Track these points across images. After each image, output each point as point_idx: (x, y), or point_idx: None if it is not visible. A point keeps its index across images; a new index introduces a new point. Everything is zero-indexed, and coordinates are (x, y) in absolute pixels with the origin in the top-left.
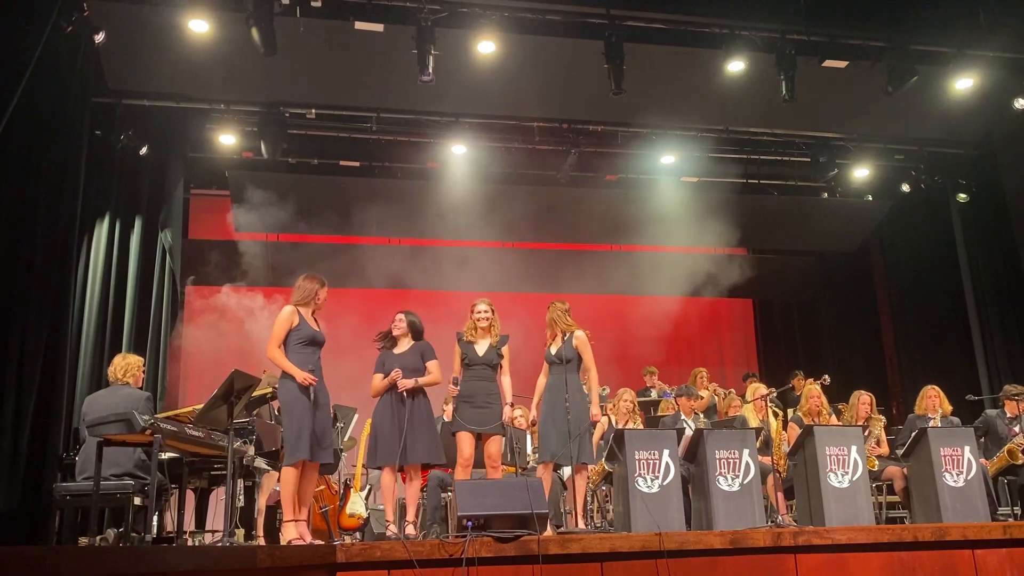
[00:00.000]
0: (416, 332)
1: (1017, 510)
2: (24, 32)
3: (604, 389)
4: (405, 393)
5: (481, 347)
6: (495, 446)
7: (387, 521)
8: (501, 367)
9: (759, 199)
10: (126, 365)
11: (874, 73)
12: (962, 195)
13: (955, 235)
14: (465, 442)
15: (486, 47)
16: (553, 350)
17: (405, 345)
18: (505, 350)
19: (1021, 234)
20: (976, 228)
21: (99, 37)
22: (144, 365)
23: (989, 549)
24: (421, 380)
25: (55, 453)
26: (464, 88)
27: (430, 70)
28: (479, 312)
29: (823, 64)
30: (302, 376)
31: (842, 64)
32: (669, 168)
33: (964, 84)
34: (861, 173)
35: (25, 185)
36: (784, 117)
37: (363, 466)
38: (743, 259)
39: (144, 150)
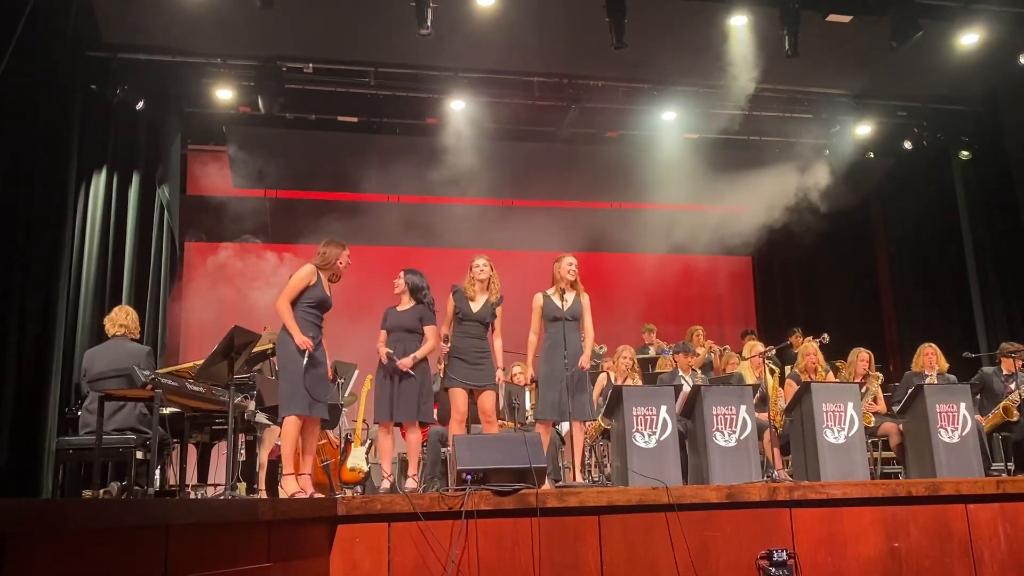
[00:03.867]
0: (414, 291)
1: (1011, 466)
2: None
3: (602, 348)
4: (401, 351)
5: (477, 303)
6: (489, 401)
7: (383, 476)
8: (494, 327)
9: (760, 156)
10: (126, 317)
11: (879, 28)
12: (964, 152)
13: (956, 192)
14: (459, 397)
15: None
16: (564, 307)
17: (406, 303)
18: (499, 311)
19: (1021, 191)
20: (977, 186)
21: None
22: (143, 320)
23: (982, 504)
24: (419, 353)
25: (50, 408)
26: (463, 42)
27: (429, 23)
28: (478, 266)
29: (827, 19)
30: (300, 340)
31: (846, 19)
32: (670, 124)
33: (969, 39)
34: (863, 130)
35: (20, 140)
36: (787, 73)
37: (363, 421)
38: (742, 216)
39: (140, 104)
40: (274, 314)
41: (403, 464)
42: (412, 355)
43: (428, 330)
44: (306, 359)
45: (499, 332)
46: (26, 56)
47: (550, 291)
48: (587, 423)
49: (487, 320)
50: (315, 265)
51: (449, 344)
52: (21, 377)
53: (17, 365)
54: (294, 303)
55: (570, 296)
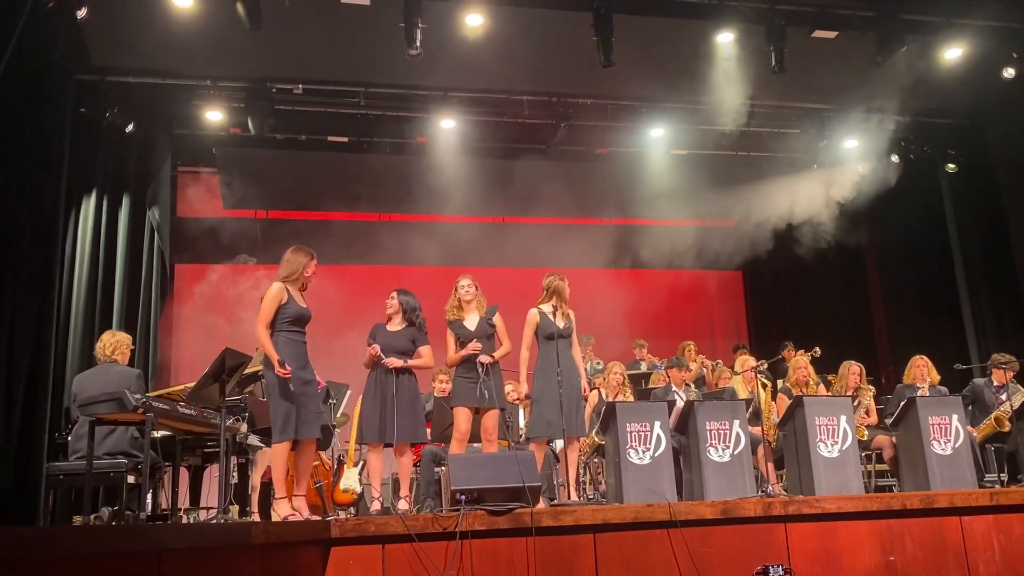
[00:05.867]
0: (409, 311)
1: (1004, 477)
2: (4, 8)
3: (599, 363)
4: (392, 371)
5: (471, 322)
6: (492, 420)
7: (373, 497)
8: (497, 338)
9: (748, 171)
10: (115, 342)
11: (863, 43)
12: (951, 165)
13: (944, 205)
14: (462, 417)
15: (474, 20)
16: (558, 323)
17: (398, 324)
18: (497, 319)
19: (1009, 203)
20: (965, 198)
21: (81, 13)
22: (133, 343)
23: (976, 516)
24: (412, 362)
25: (45, 433)
26: (452, 62)
27: (418, 44)
28: (463, 287)
29: (812, 35)
30: (277, 368)
31: (831, 34)
32: (659, 141)
33: (953, 54)
34: (850, 144)
35: (10, 163)
36: (774, 88)
37: (356, 442)
38: (732, 231)
39: (130, 127)
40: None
41: (395, 485)
42: (404, 359)
43: (424, 350)
44: (293, 382)
45: (505, 340)
46: (15, 79)
47: (545, 308)
48: (581, 439)
49: (488, 333)
50: (282, 280)
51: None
52: (12, 402)
53: (8, 390)
54: (273, 325)
55: (562, 314)
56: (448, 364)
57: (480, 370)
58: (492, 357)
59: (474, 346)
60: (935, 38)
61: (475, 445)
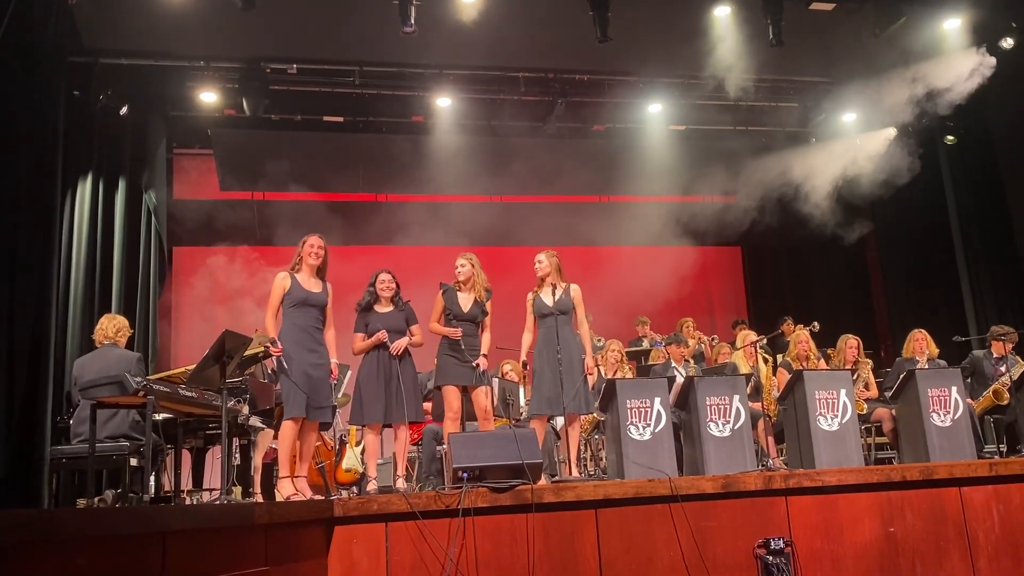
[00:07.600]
0: (398, 293)
1: (1003, 448)
2: None
3: (599, 340)
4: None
5: (465, 302)
6: (483, 398)
7: (370, 478)
8: (483, 325)
9: (746, 146)
10: (114, 326)
11: (861, 15)
12: (949, 137)
13: (942, 177)
14: (452, 395)
15: None
16: (549, 301)
17: (388, 305)
18: (488, 306)
19: (1008, 175)
20: (963, 169)
21: None
22: (132, 326)
23: (976, 486)
24: (414, 340)
25: (47, 417)
26: (448, 39)
27: (412, 21)
28: (456, 266)
29: (810, 7)
30: (272, 347)
31: (829, 6)
32: (656, 116)
33: (952, 24)
34: (849, 117)
35: (4, 148)
36: (771, 62)
37: (352, 422)
38: (731, 206)
39: (124, 110)
40: (263, 317)
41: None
42: (405, 339)
43: (415, 328)
44: (288, 362)
45: (488, 326)
46: (7, 63)
47: (541, 288)
48: (582, 417)
49: (477, 319)
50: (288, 269)
51: (458, 331)
52: (14, 386)
53: (9, 375)
54: (285, 311)
55: (559, 291)
56: (429, 328)
57: (463, 359)
58: (484, 361)
59: (454, 332)
60: (934, 9)
61: (470, 424)
